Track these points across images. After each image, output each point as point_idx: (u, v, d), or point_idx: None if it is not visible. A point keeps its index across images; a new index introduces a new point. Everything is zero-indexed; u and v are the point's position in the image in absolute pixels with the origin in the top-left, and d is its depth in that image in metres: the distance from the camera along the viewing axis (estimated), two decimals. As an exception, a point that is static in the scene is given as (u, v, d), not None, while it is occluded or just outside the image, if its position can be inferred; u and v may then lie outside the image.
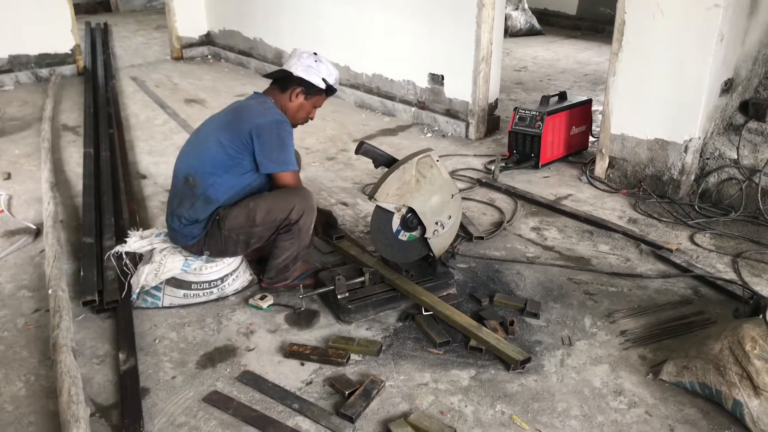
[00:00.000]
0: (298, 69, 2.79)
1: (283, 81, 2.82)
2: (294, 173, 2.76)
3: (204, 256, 2.85)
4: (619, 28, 3.85)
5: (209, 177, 2.72)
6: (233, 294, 2.94)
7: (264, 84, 2.95)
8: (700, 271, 3.09)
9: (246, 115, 2.73)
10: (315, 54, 2.84)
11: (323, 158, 4.59)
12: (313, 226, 2.82)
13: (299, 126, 2.93)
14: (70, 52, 6.83)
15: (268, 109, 2.76)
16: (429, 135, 5.19)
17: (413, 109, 5.49)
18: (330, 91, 2.86)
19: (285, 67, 2.83)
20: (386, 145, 4.51)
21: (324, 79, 2.82)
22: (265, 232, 2.78)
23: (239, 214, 2.73)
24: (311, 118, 2.94)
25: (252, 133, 2.66)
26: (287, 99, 2.81)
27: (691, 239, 3.45)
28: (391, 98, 5.66)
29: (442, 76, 5.17)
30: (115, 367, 2.47)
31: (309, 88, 2.80)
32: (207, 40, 7.92)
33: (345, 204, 3.89)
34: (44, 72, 6.73)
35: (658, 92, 3.78)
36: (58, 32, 6.69)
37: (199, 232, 2.79)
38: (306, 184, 3.39)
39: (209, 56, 7.94)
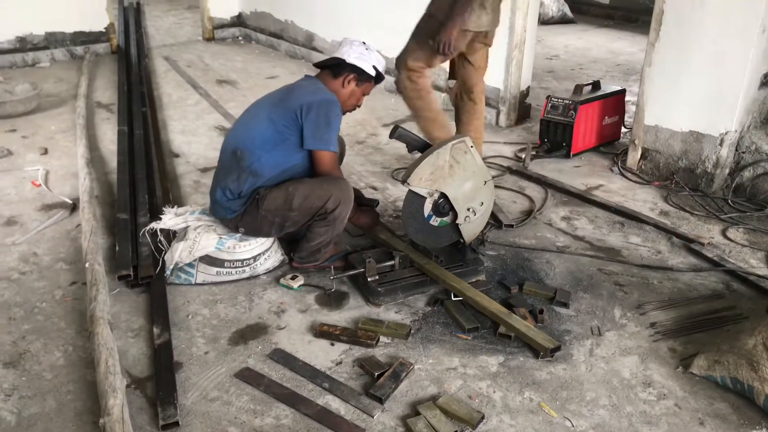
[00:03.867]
0: (351, 56, 2.83)
1: (336, 68, 2.86)
2: (332, 155, 2.77)
3: (238, 235, 2.88)
4: (657, 17, 3.78)
5: (257, 150, 2.74)
6: (265, 273, 2.97)
7: (294, 67, 2.98)
8: (733, 265, 3.05)
9: (298, 93, 2.78)
10: (364, 43, 2.87)
11: (353, 142, 4.59)
12: (348, 216, 2.83)
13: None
14: (104, 31, 6.88)
15: (320, 89, 2.80)
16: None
17: (443, 95, 5.45)
18: (379, 78, 2.89)
19: (337, 54, 2.86)
20: (415, 131, 4.48)
21: (374, 67, 2.85)
22: (301, 218, 2.80)
23: (278, 195, 2.76)
24: (359, 105, 2.97)
25: (303, 109, 2.69)
26: (340, 85, 2.84)
27: (724, 233, 3.41)
28: (422, 84, 5.63)
29: (474, 63, 5.13)
30: (149, 341, 2.52)
31: (361, 75, 2.84)
32: (238, 21, 7.92)
33: (374, 188, 3.90)
34: (79, 50, 6.79)
35: (694, 84, 3.71)
36: (93, 10, 6.73)
37: (239, 207, 2.82)
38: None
39: (240, 38, 7.94)
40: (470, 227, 2.92)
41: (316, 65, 2.95)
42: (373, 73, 2.85)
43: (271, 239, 2.96)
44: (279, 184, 2.78)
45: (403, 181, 2.73)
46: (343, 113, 2.86)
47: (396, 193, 3.85)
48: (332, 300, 2.81)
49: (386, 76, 3.04)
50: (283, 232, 2.91)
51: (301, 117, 2.70)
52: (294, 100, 2.73)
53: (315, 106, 2.69)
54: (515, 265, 3.09)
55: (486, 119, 5.10)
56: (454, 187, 2.80)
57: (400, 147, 3.06)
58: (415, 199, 2.79)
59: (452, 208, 2.84)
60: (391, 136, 2.84)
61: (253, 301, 2.79)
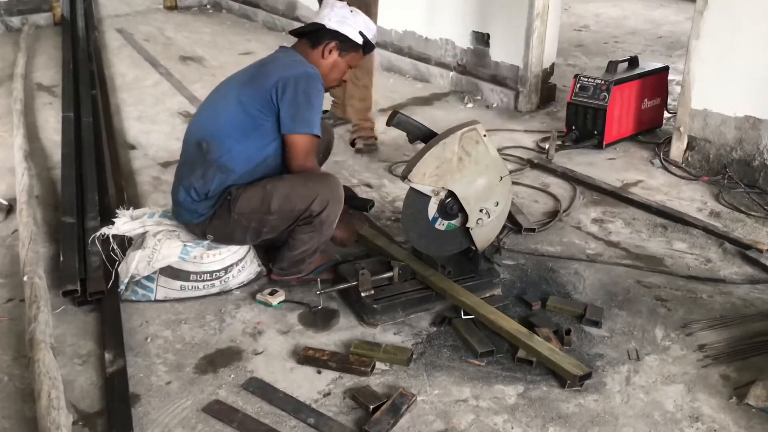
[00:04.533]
0: (331, 21, 2.84)
1: (314, 35, 2.87)
2: (311, 139, 2.77)
3: (206, 242, 2.90)
4: (706, -20, 3.79)
5: (226, 141, 2.76)
6: (238, 287, 2.98)
7: (273, 41, 3.03)
8: (797, 276, 3.07)
9: (272, 68, 2.80)
10: (349, 5, 2.88)
11: (342, 130, 4.59)
12: (337, 220, 2.85)
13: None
14: (45, -2, 6.89)
15: (297, 62, 2.81)
16: (470, 105, 5.19)
17: (451, 74, 5.47)
18: (367, 47, 2.92)
19: (317, 19, 2.88)
20: (419, 117, 4.46)
21: (361, 33, 2.86)
22: (281, 223, 2.82)
23: (253, 196, 2.77)
24: (344, 81, 2.98)
25: (278, 88, 2.71)
26: (319, 55, 2.85)
27: (787, 238, 3.43)
28: (425, 60, 5.66)
29: (488, 35, 5.14)
30: (100, 369, 2.51)
31: (344, 43, 2.85)
32: (206, -14, 7.95)
33: (369, 185, 3.92)
34: (15, 21, 6.80)
35: (751, 60, 3.72)
36: (32, -27, 6.75)
37: (207, 210, 2.84)
38: (328, 163, 3.44)
39: (208, 6, 7.97)
40: (483, 232, 2.92)
41: (293, 33, 2.96)
42: (359, 40, 2.85)
43: (245, 247, 2.96)
44: (254, 182, 2.79)
45: (404, 177, 2.74)
46: (326, 90, 2.86)
47: (395, 191, 3.85)
48: (319, 319, 2.82)
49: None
50: (260, 239, 2.91)
51: (277, 97, 2.71)
52: (267, 77, 2.74)
53: (292, 81, 2.70)
54: (537, 277, 3.10)
55: (502, 102, 5.15)
56: (464, 184, 2.80)
57: (400, 136, 3.07)
58: (417, 198, 2.79)
59: (462, 209, 2.84)
60: (389, 123, 2.84)
61: (224, 321, 2.80)
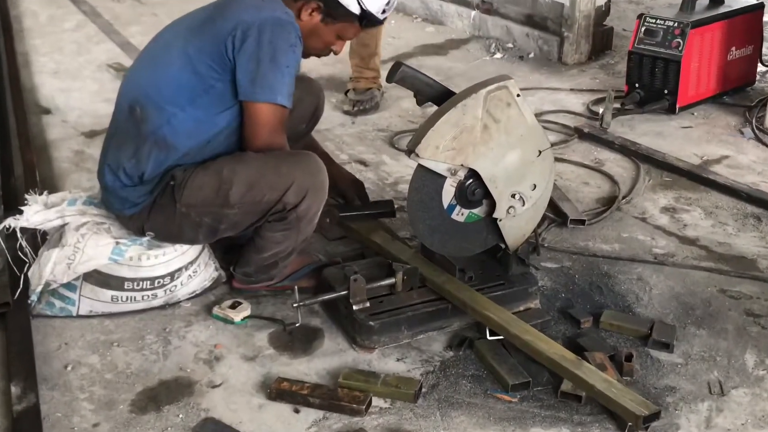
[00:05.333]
0: None
1: None
2: (277, 110, 2.77)
3: (145, 239, 2.89)
4: None
5: (166, 108, 2.76)
6: (188, 299, 2.99)
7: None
8: None
9: (233, 9, 2.79)
10: None
11: (331, 90, 4.59)
12: (320, 213, 2.87)
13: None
14: None
15: (268, 3, 2.78)
16: (498, 55, 5.19)
17: (473, 13, 5.46)
18: (368, 20, 2.85)
19: None
20: (430, 70, 4.43)
21: (361, 2, 2.78)
22: (244, 218, 2.83)
23: (206, 183, 2.77)
24: (335, 52, 2.97)
25: (235, 36, 2.70)
26: (295, 13, 2.81)
27: None
28: (439, -4, 5.68)
29: (522, -39, 5.18)
30: (5, 406, 2.48)
31: (332, 8, 2.81)
32: None
33: (363, 163, 3.91)
34: None
35: None
36: None
37: (143, 198, 2.83)
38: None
39: None
40: (516, 225, 2.91)
41: None
42: (355, 9, 2.79)
43: (197, 246, 2.98)
44: (206, 163, 2.80)
45: (410, 152, 2.74)
46: (305, 56, 2.89)
47: (398, 170, 3.85)
48: (297, 341, 2.82)
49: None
50: (216, 237, 2.93)
51: (233, 48, 2.70)
52: (224, 21, 2.74)
53: (255, 29, 2.69)
54: (588, 285, 3.11)
55: (542, 52, 5.15)
56: (490, 160, 2.79)
57: (406, 96, 3.06)
58: (428, 179, 2.79)
59: (487, 194, 2.84)
60: (390, 78, 2.83)
61: (170, 344, 2.80)
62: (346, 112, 4.37)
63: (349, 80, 4.53)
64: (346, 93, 4.49)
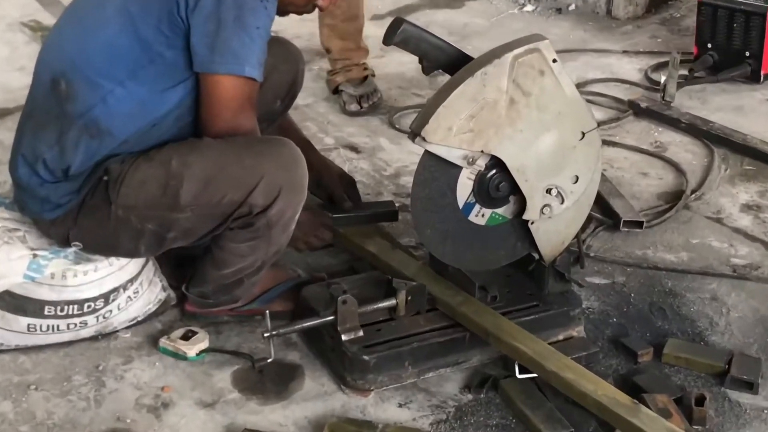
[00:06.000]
0: None
1: None
2: (245, 84, 2.78)
3: (72, 250, 2.88)
4: None
5: (100, 82, 2.75)
6: (128, 327, 3.00)
7: None
8: None
9: None
10: None
11: (312, 55, 4.61)
12: (297, 217, 2.88)
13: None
14: None
15: None
16: (529, 7, 5.21)
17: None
18: None
19: None
20: (441, 29, 4.40)
21: None
22: (199, 224, 2.83)
23: (149, 178, 2.76)
24: (321, 8, 2.97)
25: None
26: None
27: None
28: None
29: None
30: None
31: None
32: None
33: (354, 149, 3.92)
34: None
35: None
36: None
37: (69, 197, 2.81)
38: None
39: None
40: (553, 228, 2.91)
41: None
42: None
43: (139, 261, 2.98)
44: (150, 153, 2.79)
45: (415, 135, 2.71)
46: (282, 13, 2.92)
47: (400, 158, 3.86)
48: (269, 381, 2.82)
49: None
50: (162, 249, 2.93)
51: (187, 5, 2.69)
52: None
53: None
54: (647, 306, 3.12)
55: (585, 3, 5.15)
56: (518, 144, 2.77)
57: (409, 61, 3.03)
58: (438, 170, 2.78)
59: (515, 189, 2.83)
60: (388, 40, 2.80)
61: (104, 386, 2.79)
62: (353, 114, 4.31)
63: (333, 73, 4.45)
64: (335, 91, 4.42)
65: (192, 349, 2.88)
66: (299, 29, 4.77)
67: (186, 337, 2.90)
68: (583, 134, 2.85)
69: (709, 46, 4.45)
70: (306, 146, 3.12)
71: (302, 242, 3.14)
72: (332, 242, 3.27)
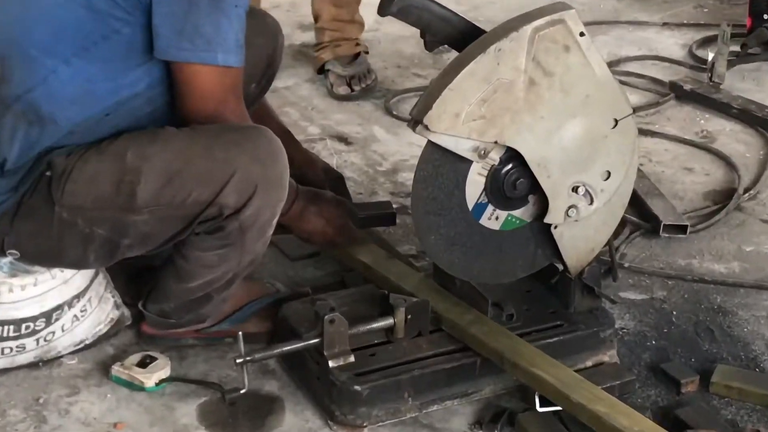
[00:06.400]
0: None
1: None
2: (225, 74, 2.79)
3: (7, 260, 2.88)
4: None
5: (41, 60, 2.72)
6: (74, 351, 2.99)
7: None
8: None
9: None
10: None
11: (293, 28, 4.65)
12: (276, 220, 2.87)
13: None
14: None
15: None
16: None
17: None
18: None
19: None
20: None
21: None
22: (159, 228, 2.81)
23: (100, 174, 2.73)
24: None
25: None
26: None
27: None
28: None
29: None
30: None
31: None
32: None
33: (343, 140, 3.93)
34: None
35: None
36: None
37: (4, 196, 2.78)
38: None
39: None
40: (581, 234, 2.90)
41: None
42: None
43: (87, 273, 2.97)
44: (101, 144, 2.77)
45: (416, 122, 2.68)
46: None
47: (397, 150, 3.88)
48: (242, 415, 2.80)
49: None
50: (116, 258, 2.89)
51: None
52: None
53: None
54: (692, 326, 3.13)
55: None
56: (539, 134, 2.75)
57: (410, 34, 2.99)
58: (444, 165, 2.76)
59: (535, 187, 2.82)
60: (383, 9, 2.76)
61: (46, 422, 2.76)
62: (342, 97, 4.31)
63: (319, 48, 4.46)
64: (321, 70, 4.43)
65: (150, 378, 2.85)
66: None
67: (143, 364, 2.88)
68: (616, 122, 2.83)
69: (766, 17, 4.44)
70: (286, 137, 3.12)
71: (328, 239, 3.14)
72: (316, 250, 3.30)
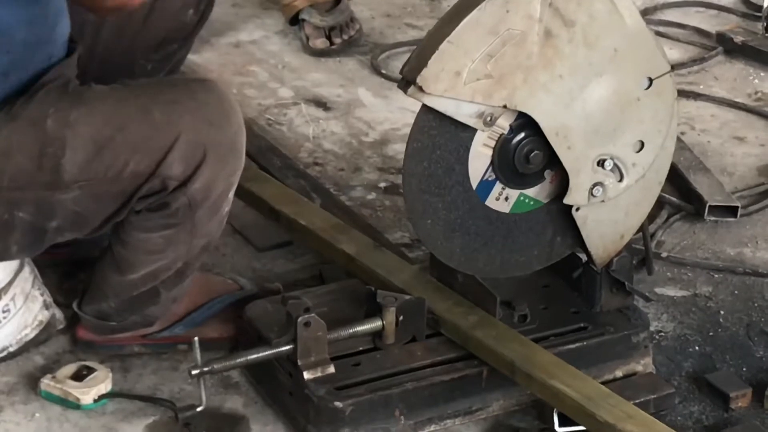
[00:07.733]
0: None
1: None
2: None
3: None
4: None
5: None
6: None
7: None
8: None
9: None
10: None
11: None
12: (232, 194, 2.79)
13: None
14: None
15: None
16: None
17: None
18: None
19: None
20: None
21: None
22: (93, 208, 2.70)
23: (16, 145, 2.60)
24: None
25: None
26: None
27: None
28: None
29: None
30: None
31: None
32: None
33: (322, 105, 3.84)
34: None
35: None
36: None
37: None
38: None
39: None
40: (608, 217, 2.81)
41: None
42: None
43: (9, 266, 2.86)
44: (12, 107, 2.63)
45: (408, 83, 2.59)
46: None
47: (386, 117, 3.83)
48: None
49: None
50: (43, 246, 2.80)
51: None
52: None
53: None
54: (743, 328, 3.10)
55: None
56: (556, 96, 2.65)
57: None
58: (441, 134, 2.68)
59: (553, 161, 2.73)
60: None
61: None
62: (320, 53, 4.27)
63: None
64: (294, 20, 4.36)
65: (88, 394, 2.75)
66: None
67: (79, 377, 2.77)
68: (651, 81, 2.74)
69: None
70: None
71: None
72: (289, 239, 3.22)
